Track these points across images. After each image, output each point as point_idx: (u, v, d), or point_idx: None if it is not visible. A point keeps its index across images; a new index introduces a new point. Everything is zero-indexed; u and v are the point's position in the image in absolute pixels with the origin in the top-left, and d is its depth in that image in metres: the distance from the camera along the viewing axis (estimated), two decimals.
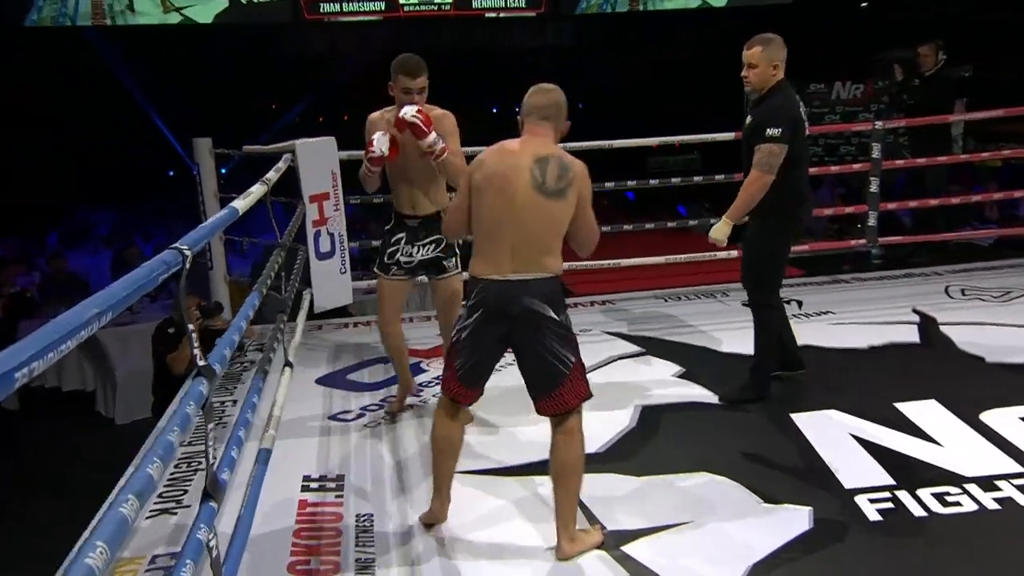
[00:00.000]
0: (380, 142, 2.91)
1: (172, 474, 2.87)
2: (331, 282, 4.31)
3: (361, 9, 11.38)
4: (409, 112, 2.84)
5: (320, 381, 3.90)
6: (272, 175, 3.15)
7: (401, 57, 2.94)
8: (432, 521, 2.50)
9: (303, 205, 3.93)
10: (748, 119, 3.25)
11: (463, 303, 2.59)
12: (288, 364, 3.15)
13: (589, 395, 2.35)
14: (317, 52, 12.56)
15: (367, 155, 2.97)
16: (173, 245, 1.61)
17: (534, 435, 3.12)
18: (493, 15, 12.41)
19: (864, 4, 16.41)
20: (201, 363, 1.51)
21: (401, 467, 2.94)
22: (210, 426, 1.56)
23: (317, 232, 4.17)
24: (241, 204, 2.36)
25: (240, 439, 1.99)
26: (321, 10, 11.32)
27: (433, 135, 2.86)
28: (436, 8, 11.74)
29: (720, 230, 3.19)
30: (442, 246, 3.13)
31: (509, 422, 3.22)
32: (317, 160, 4.05)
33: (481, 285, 2.30)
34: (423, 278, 3.29)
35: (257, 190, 2.69)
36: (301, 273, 3.88)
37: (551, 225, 2.29)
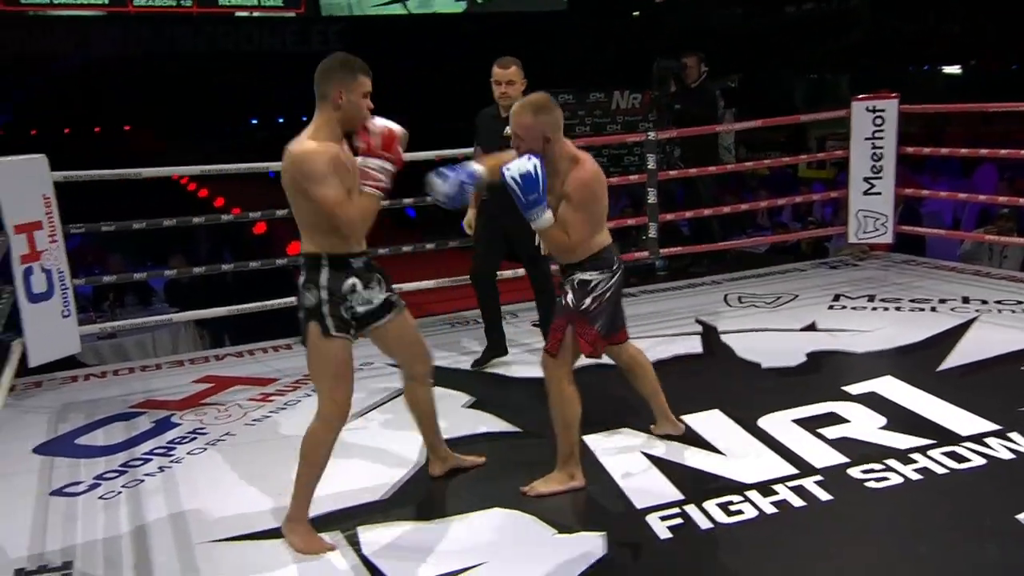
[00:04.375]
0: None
1: None
2: (50, 329, 3.99)
3: (77, 2, 10.40)
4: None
5: (39, 450, 3.55)
6: None
7: (343, 55, 2.64)
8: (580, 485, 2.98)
9: (6, 237, 3.58)
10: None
11: (597, 272, 2.91)
12: None
13: None
14: (22, 53, 11.37)
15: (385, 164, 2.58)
16: None
17: None
18: (245, 14, 12.00)
19: (636, 14, 17.96)
20: None
21: (144, 545, 2.74)
22: None
23: (28, 269, 3.83)
24: None
25: None
26: (23, 0, 10.27)
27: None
28: (175, 4, 11.09)
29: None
30: (387, 282, 2.82)
31: None
32: (21, 183, 3.72)
33: (611, 248, 2.97)
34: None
35: None
36: (5, 319, 3.51)
37: None
